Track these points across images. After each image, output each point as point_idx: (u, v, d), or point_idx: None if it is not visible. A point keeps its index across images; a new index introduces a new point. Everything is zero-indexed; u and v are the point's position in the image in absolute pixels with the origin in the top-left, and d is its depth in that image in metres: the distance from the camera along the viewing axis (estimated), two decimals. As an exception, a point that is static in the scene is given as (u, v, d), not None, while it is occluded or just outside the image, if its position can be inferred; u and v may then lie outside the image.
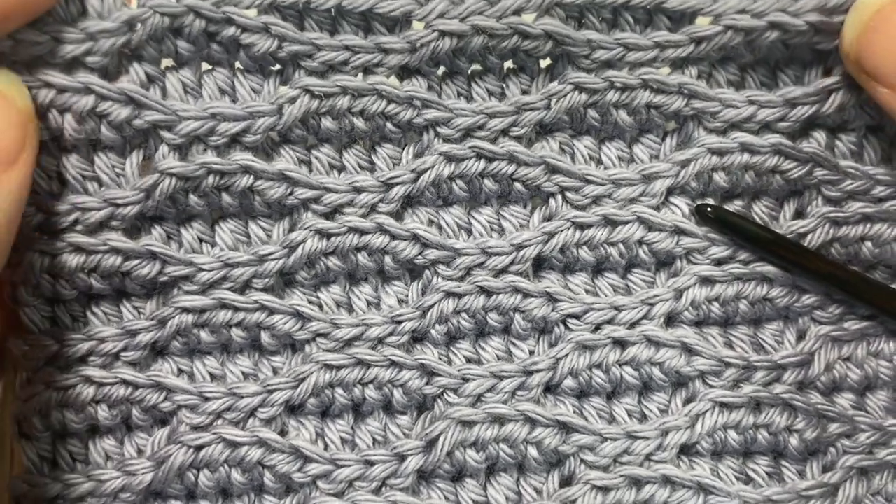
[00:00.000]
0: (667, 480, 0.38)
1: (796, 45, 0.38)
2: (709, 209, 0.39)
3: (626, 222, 0.39)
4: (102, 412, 0.37)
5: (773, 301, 0.40)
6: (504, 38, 0.37)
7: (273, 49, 0.36)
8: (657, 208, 0.39)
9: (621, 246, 0.39)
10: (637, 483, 0.38)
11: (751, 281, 0.39)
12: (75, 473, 0.37)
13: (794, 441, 0.39)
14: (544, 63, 0.39)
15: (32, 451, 0.37)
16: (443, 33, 0.36)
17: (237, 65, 0.38)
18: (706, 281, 0.39)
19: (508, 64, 0.39)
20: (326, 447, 0.39)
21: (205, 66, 0.38)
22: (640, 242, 0.39)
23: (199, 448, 0.37)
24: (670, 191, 0.39)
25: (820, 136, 0.39)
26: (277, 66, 0.38)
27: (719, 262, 0.39)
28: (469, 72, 0.39)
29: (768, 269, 0.39)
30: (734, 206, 0.40)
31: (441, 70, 0.39)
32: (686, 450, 0.39)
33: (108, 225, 0.37)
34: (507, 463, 0.39)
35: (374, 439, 0.39)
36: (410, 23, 0.37)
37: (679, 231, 0.39)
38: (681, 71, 0.39)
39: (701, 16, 0.37)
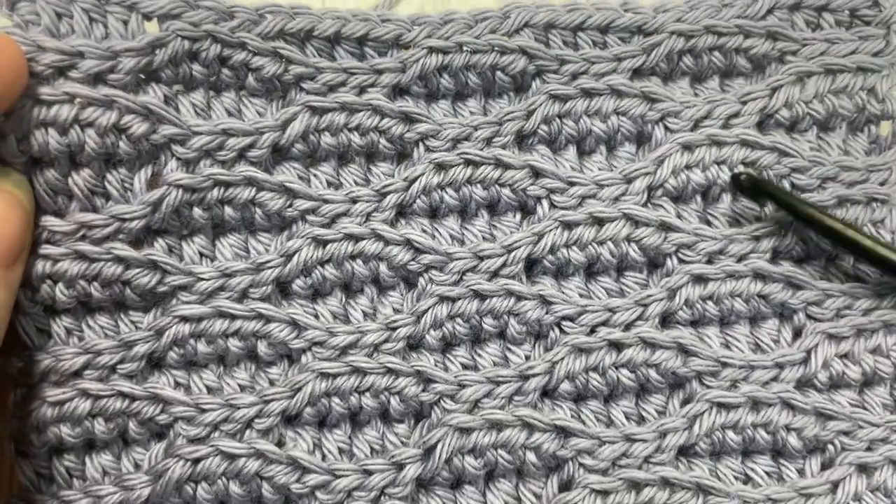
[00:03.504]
0: (666, 482, 0.38)
1: (732, 53, 0.41)
2: (743, 177, 0.39)
3: (613, 219, 0.39)
4: (99, 426, 0.37)
5: (767, 298, 0.40)
6: (484, 54, 0.39)
7: (280, 72, 0.39)
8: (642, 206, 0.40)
9: (610, 244, 0.39)
10: (636, 486, 0.38)
11: (743, 278, 0.39)
12: (73, 490, 0.37)
13: (792, 440, 0.39)
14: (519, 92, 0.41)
15: (29, 468, 0.37)
16: (431, 49, 0.39)
17: (242, 91, 0.40)
18: (699, 279, 0.39)
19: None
20: (324, 457, 0.39)
21: (211, 93, 0.40)
22: (628, 240, 0.39)
23: (196, 461, 0.37)
24: (652, 189, 0.40)
25: (779, 134, 0.41)
26: (280, 93, 0.40)
27: (710, 257, 0.40)
28: (454, 94, 0.41)
29: (761, 265, 0.40)
30: (719, 210, 0.41)
31: (427, 93, 0.41)
32: (685, 451, 0.39)
33: (114, 237, 0.38)
34: (505, 469, 0.39)
35: (372, 448, 0.39)
36: (400, 47, 0.40)
37: (665, 227, 0.40)
38: (639, 79, 0.41)
39: (646, 35, 0.41)
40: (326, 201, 0.39)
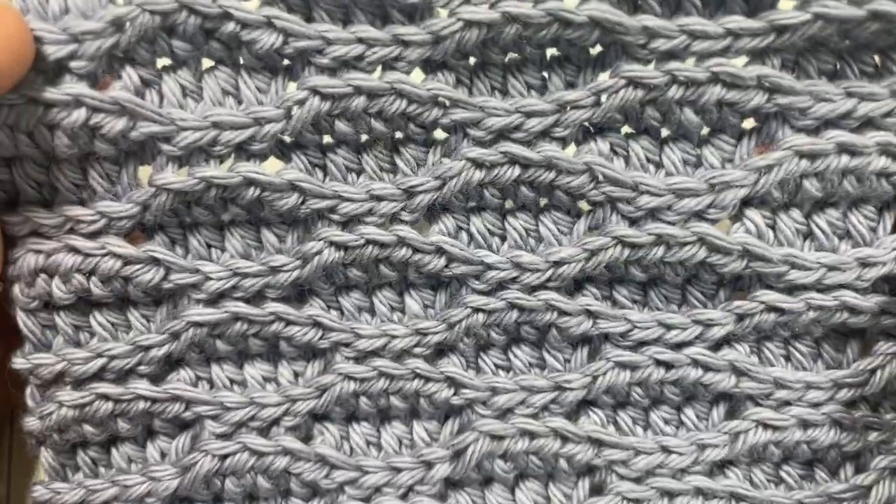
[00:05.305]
0: (699, 492, 0.37)
1: None
2: None
3: (686, 244, 0.34)
4: (123, 424, 0.36)
5: (849, 324, 0.36)
6: (541, 27, 0.31)
7: (278, 45, 0.32)
8: (731, 219, 0.35)
9: (679, 267, 0.35)
10: (669, 494, 0.37)
11: (831, 311, 0.35)
12: (99, 479, 0.37)
13: (833, 453, 0.38)
14: (594, 51, 0.33)
15: (53, 458, 0.36)
16: (469, 23, 0.31)
17: (241, 62, 0.33)
18: (774, 310, 0.35)
19: (553, 51, 0.33)
20: (352, 450, 0.38)
21: (206, 62, 0.33)
22: (702, 264, 0.35)
23: (224, 457, 0.36)
24: (745, 202, 0.34)
25: None
26: (286, 62, 0.33)
27: (795, 289, 0.35)
28: (505, 62, 0.33)
29: (853, 301, 0.35)
30: (826, 218, 0.35)
31: (472, 61, 0.33)
32: (721, 462, 0.38)
33: (106, 232, 0.34)
34: (536, 472, 0.38)
35: (401, 441, 0.38)
36: (433, 10, 0.32)
37: (749, 255, 0.34)
38: (760, 61, 0.32)
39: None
40: (344, 199, 0.34)
